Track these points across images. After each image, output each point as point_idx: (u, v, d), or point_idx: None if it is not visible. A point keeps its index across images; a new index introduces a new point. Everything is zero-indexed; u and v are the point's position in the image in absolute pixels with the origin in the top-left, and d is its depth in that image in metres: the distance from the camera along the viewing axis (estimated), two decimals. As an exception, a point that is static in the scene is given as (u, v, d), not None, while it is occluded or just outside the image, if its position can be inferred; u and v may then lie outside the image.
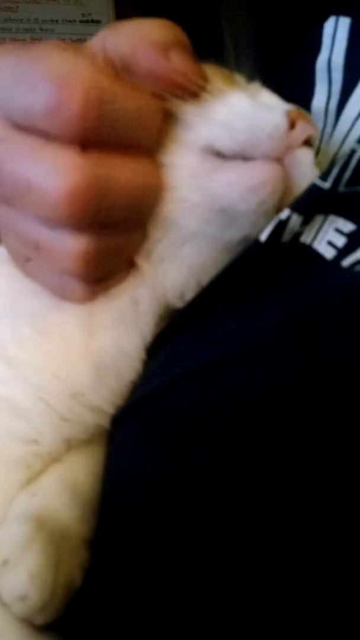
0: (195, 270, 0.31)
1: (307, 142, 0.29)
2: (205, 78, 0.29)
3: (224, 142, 0.28)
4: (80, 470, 0.30)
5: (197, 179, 0.28)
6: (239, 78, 0.33)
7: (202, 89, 0.29)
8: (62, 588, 0.25)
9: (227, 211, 0.28)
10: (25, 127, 0.26)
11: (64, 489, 0.28)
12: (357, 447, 0.20)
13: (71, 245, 0.27)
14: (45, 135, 0.25)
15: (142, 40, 0.27)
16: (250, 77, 0.34)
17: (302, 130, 0.29)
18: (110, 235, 0.28)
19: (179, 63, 0.27)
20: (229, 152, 0.28)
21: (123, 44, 0.27)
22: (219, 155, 0.28)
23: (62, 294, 0.30)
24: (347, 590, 0.19)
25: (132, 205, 0.28)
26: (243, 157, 0.28)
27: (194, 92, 0.28)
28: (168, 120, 0.29)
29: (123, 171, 0.26)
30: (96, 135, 0.25)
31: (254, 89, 0.33)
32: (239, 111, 0.28)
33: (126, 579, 0.25)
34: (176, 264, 0.31)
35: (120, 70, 0.27)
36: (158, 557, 0.24)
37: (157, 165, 0.29)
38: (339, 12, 0.37)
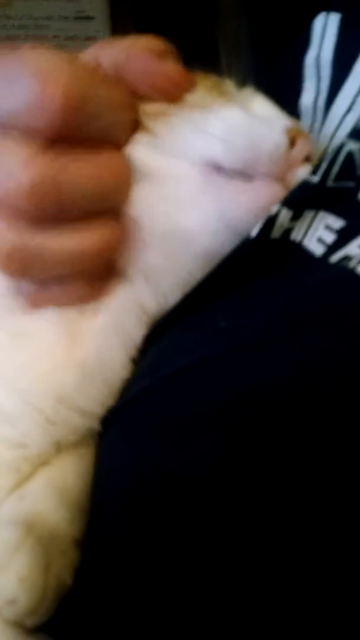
0: (189, 283, 0.30)
1: (307, 159, 0.29)
2: (195, 86, 0.30)
3: (225, 159, 0.28)
4: (69, 472, 0.30)
5: (206, 196, 0.28)
6: (229, 85, 0.33)
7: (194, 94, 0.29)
8: (52, 590, 0.25)
9: (235, 228, 0.28)
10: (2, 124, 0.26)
11: (52, 491, 0.28)
12: (354, 440, 0.20)
13: (37, 242, 0.26)
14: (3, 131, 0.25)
15: (136, 48, 0.28)
16: (244, 81, 0.34)
17: (302, 149, 0.29)
18: (69, 233, 0.27)
19: (172, 65, 0.28)
20: (230, 168, 0.28)
21: (118, 52, 0.28)
22: (218, 169, 0.28)
23: (38, 299, 0.30)
24: (346, 588, 0.19)
25: (98, 198, 0.27)
26: (243, 174, 0.28)
27: (184, 97, 0.29)
28: (162, 127, 0.29)
29: (87, 165, 0.27)
30: (75, 129, 0.25)
31: (247, 96, 0.33)
32: (238, 128, 0.28)
33: (116, 579, 0.25)
34: (176, 277, 0.30)
35: (114, 78, 0.28)
36: (148, 557, 0.24)
37: (125, 161, 0.28)
38: (329, 8, 0.37)
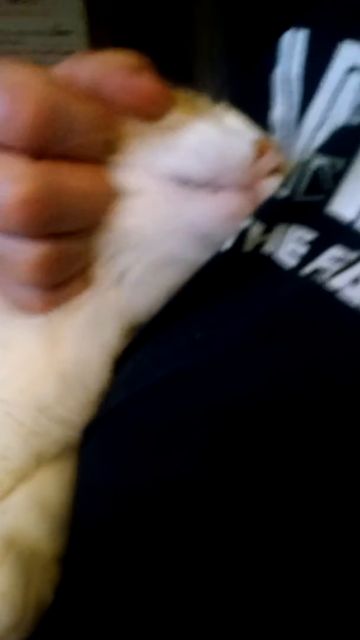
0: (168, 292, 0.31)
1: (276, 170, 0.30)
2: (173, 101, 0.30)
3: (194, 171, 0.29)
4: (50, 486, 0.30)
5: (173, 206, 0.29)
6: (204, 101, 0.34)
7: (170, 111, 0.30)
8: (32, 606, 0.25)
9: (204, 237, 0.29)
10: None
11: (33, 506, 0.28)
12: (326, 446, 0.20)
13: (27, 254, 0.27)
14: None
15: (112, 63, 0.28)
16: (218, 96, 0.35)
17: (270, 160, 0.29)
18: (65, 242, 0.28)
19: (149, 81, 0.28)
20: (198, 180, 0.29)
21: (93, 68, 0.28)
22: (187, 182, 0.29)
23: (20, 305, 0.30)
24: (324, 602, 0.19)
25: (84, 211, 0.28)
26: (212, 185, 0.29)
27: (161, 114, 0.29)
28: (134, 143, 0.30)
29: (74, 179, 0.27)
30: (48, 144, 0.26)
31: (220, 112, 0.34)
32: (207, 140, 0.29)
33: (96, 595, 0.25)
34: (150, 287, 0.31)
35: (90, 94, 0.28)
36: (128, 572, 0.24)
37: (107, 174, 0.29)
38: (297, 24, 0.38)
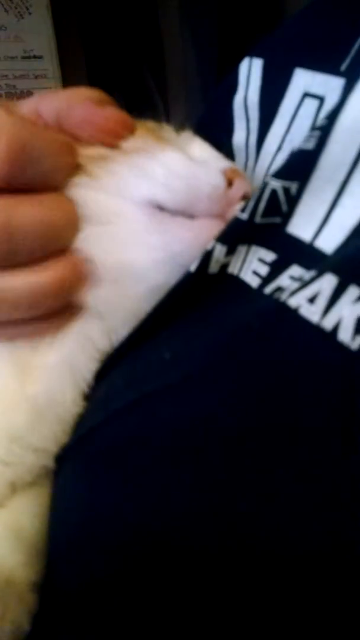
0: (140, 317, 0.31)
1: (245, 198, 0.31)
2: (134, 130, 0.31)
3: (166, 200, 0.30)
4: (25, 514, 0.29)
5: (151, 233, 0.30)
6: (167, 130, 0.35)
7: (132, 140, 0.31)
8: (8, 636, 0.25)
9: (179, 263, 0.29)
10: None
11: (7, 535, 0.28)
12: (293, 463, 0.21)
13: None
14: None
15: (77, 97, 0.30)
16: (183, 124, 0.36)
17: (240, 188, 0.30)
18: (31, 274, 0.28)
19: (111, 113, 0.30)
20: (171, 209, 0.30)
21: (58, 103, 0.30)
22: (161, 209, 0.30)
23: None
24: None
25: (47, 241, 0.28)
26: (186, 213, 0.30)
27: (121, 141, 0.30)
28: (103, 170, 0.30)
29: (33, 209, 0.28)
30: (16, 181, 0.27)
31: (185, 139, 0.35)
32: (176, 171, 0.30)
33: (71, 625, 0.24)
34: (126, 314, 0.31)
35: (53, 126, 0.30)
36: (103, 600, 0.24)
37: (66, 201, 0.30)
38: (252, 54, 0.39)
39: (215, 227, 0.29)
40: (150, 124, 0.34)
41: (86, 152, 0.31)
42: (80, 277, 0.30)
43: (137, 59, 1.47)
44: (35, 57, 1.40)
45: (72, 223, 0.29)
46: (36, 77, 1.39)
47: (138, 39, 1.52)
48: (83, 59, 1.50)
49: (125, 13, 1.50)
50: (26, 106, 0.31)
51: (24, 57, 1.39)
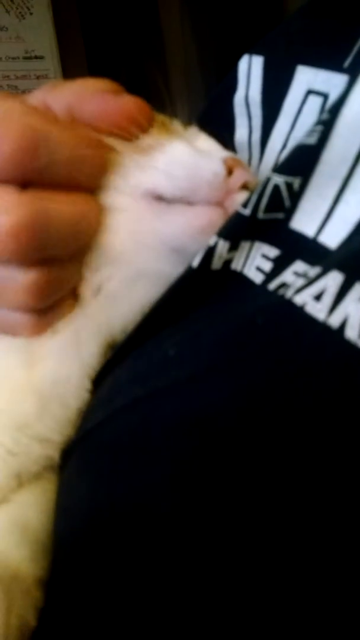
0: (144, 306, 0.32)
1: (245, 187, 0.31)
2: (153, 119, 0.31)
3: (166, 188, 0.30)
4: (30, 509, 0.30)
5: (146, 222, 0.30)
6: (176, 124, 0.35)
7: (148, 129, 0.31)
8: (14, 631, 0.25)
9: (178, 251, 0.30)
10: None
11: (13, 530, 0.28)
12: (295, 462, 0.21)
13: (19, 281, 0.28)
14: None
15: (87, 89, 0.29)
16: (188, 121, 0.36)
17: (239, 177, 0.31)
18: (55, 267, 0.29)
19: (130, 100, 0.29)
20: (170, 197, 0.30)
21: (67, 94, 0.29)
22: (160, 199, 0.30)
23: (10, 329, 0.30)
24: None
25: (73, 237, 0.29)
26: (185, 202, 0.30)
27: (143, 130, 0.30)
28: (108, 166, 0.30)
29: (62, 205, 0.28)
30: (33, 174, 0.26)
31: (191, 134, 0.35)
32: (178, 160, 0.30)
33: (79, 618, 0.24)
34: (127, 301, 0.32)
35: (67, 120, 0.29)
36: (108, 595, 0.24)
37: (95, 199, 0.30)
38: (251, 51, 0.39)
39: (213, 215, 0.29)
40: (163, 117, 0.34)
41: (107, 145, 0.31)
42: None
43: (138, 58, 1.47)
44: (36, 57, 1.40)
45: (97, 221, 0.30)
46: (37, 77, 1.39)
47: (139, 38, 1.52)
48: (84, 58, 1.50)
49: (126, 12, 1.50)
50: (34, 99, 0.30)
51: (25, 58, 1.39)
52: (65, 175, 0.28)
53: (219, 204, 0.30)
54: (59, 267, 0.29)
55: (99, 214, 0.30)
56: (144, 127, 0.30)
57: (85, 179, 0.29)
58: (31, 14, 1.39)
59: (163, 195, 0.30)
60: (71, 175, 0.28)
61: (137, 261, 0.31)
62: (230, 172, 0.30)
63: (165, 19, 1.59)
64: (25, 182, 0.27)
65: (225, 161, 0.31)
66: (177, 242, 0.30)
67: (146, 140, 0.31)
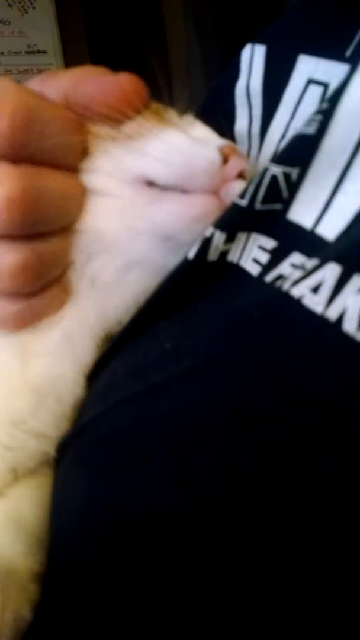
0: (138, 296, 0.31)
1: (241, 176, 0.30)
2: (147, 98, 0.31)
3: (160, 175, 0.30)
4: (26, 503, 0.29)
5: (138, 208, 0.30)
6: (171, 112, 0.34)
7: (142, 110, 0.30)
8: (9, 626, 0.25)
9: (171, 239, 0.30)
10: None
11: (8, 524, 0.28)
12: (292, 456, 0.21)
13: (9, 259, 0.27)
14: None
15: (85, 73, 0.30)
16: (184, 109, 0.36)
17: (235, 165, 0.30)
18: (43, 246, 0.29)
19: (127, 76, 0.29)
20: (163, 184, 0.30)
21: (63, 81, 0.30)
22: (152, 185, 0.30)
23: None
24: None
25: (63, 212, 0.29)
26: (179, 189, 0.30)
27: (140, 107, 0.30)
28: (102, 148, 0.30)
29: (53, 181, 0.28)
30: (25, 150, 0.27)
31: (187, 123, 0.35)
32: (174, 147, 0.30)
33: (75, 613, 0.24)
34: (120, 290, 0.32)
35: (61, 104, 0.29)
36: (104, 586, 0.23)
37: (79, 179, 0.30)
38: (254, 40, 0.39)
39: (208, 203, 0.29)
40: (156, 105, 0.33)
41: (91, 128, 0.31)
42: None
43: (141, 52, 1.47)
44: (39, 51, 1.40)
45: (82, 200, 0.30)
46: (40, 71, 1.38)
47: (142, 32, 1.52)
48: (87, 53, 1.49)
49: (129, 6, 1.49)
50: (32, 85, 0.30)
51: (27, 52, 1.39)
52: (54, 153, 0.28)
53: (215, 192, 0.30)
54: (47, 246, 0.29)
55: (83, 193, 0.30)
56: (139, 108, 0.30)
57: (72, 159, 0.30)
58: (34, 8, 1.38)
59: (155, 182, 0.30)
60: (60, 153, 0.29)
61: (130, 250, 0.31)
62: (226, 160, 0.30)
63: (168, 14, 1.58)
64: (17, 157, 0.27)
65: (221, 149, 0.30)
66: (170, 231, 0.30)
67: (139, 126, 0.31)
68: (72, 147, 0.30)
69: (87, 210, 0.30)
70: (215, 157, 0.29)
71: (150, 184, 0.30)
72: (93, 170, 0.30)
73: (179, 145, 0.30)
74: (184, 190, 0.30)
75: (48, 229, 0.29)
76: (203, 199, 0.29)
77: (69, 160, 0.30)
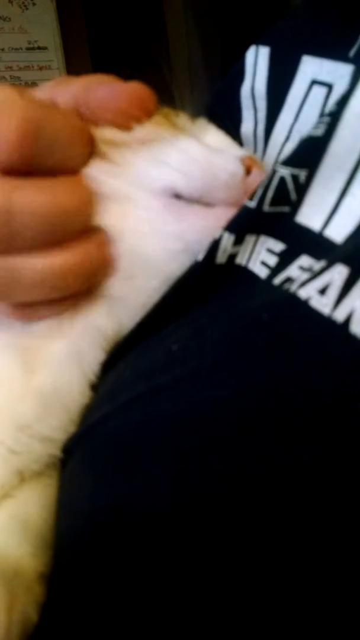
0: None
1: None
2: (157, 106, 0.31)
3: (183, 188, 0.29)
4: (32, 504, 0.29)
5: (169, 225, 0.29)
6: (182, 117, 0.34)
7: (152, 116, 0.30)
8: (16, 627, 0.25)
9: (195, 254, 0.28)
10: None
11: (15, 526, 0.28)
12: (296, 455, 0.21)
13: (33, 264, 0.27)
14: None
15: (96, 79, 0.29)
16: (197, 109, 0.35)
17: (257, 176, 0.30)
18: (28, 258, 0.28)
19: (136, 85, 0.29)
20: (188, 197, 0.29)
21: (75, 88, 0.29)
22: (178, 197, 0.29)
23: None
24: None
25: (48, 226, 0.28)
26: (202, 202, 0.29)
27: (148, 116, 0.30)
28: (118, 155, 0.30)
29: (36, 195, 0.27)
30: (31, 161, 0.26)
31: (199, 128, 0.34)
32: (193, 159, 0.29)
33: (81, 615, 0.24)
34: (143, 305, 0.30)
35: (71, 111, 0.29)
36: (111, 589, 0.23)
37: (84, 184, 0.29)
38: (258, 42, 0.39)
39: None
40: (166, 109, 0.33)
41: (103, 136, 0.30)
42: (104, 259, 0.29)
43: (142, 49, 1.46)
44: (39, 48, 1.39)
45: (85, 206, 0.29)
46: (40, 68, 1.38)
47: (143, 29, 1.51)
48: (87, 49, 1.49)
49: (129, 2, 1.49)
50: (42, 93, 0.30)
51: (28, 49, 1.38)
52: (58, 161, 0.28)
53: (238, 204, 0.29)
54: (31, 258, 0.28)
55: (83, 198, 0.29)
56: (149, 113, 0.30)
57: (74, 163, 0.29)
58: (34, 4, 1.38)
59: (181, 194, 0.29)
60: (63, 161, 0.28)
61: (166, 270, 0.29)
62: (248, 171, 0.30)
63: (169, 11, 1.58)
64: (23, 169, 0.26)
65: (242, 160, 0.30)
66: (198, 246, 0.28)
67: (151, 132, 0.30)
68: (79, 156, 0.29)
69: (109, 220, 0.29)
70: (238, 169, 0.29)
71: (176, 195, 0.29)
72: (111, 176, 0.29)
73: (198, 157, 0.29)
74: (207, 203, 0.29)
75: (36, 238, 0.28)
76: (228, 212, 0.28)
77: (73, 166, 0.29)
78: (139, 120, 0.30)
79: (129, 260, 0.30)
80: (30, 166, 0.26)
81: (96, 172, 0.29)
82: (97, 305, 0.31)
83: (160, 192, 0.29)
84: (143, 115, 0.30)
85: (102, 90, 0.29)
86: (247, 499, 0.21)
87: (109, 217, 0.29)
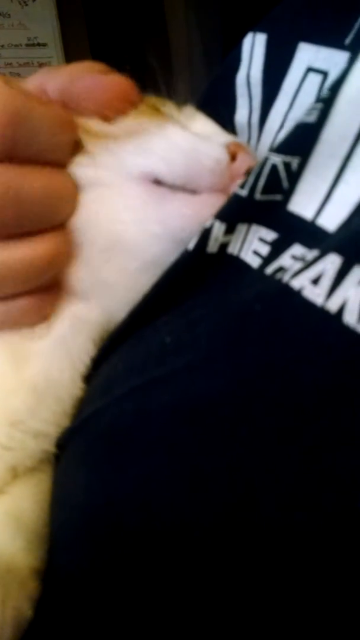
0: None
1: (249, 172, 0.30)
2: (140, 98, 0.31)
3: (165, 174, 0.29)
4: (25, 500, 0.29)
5: (149, 208, 0.29)
6: (169, 106, 0.34)
7: (136, 107, 0.30)
8: (10, 623, 0.25)
9: (183, 241, 0.29)
10: None
11: (8, 521, 0.28)
12: (292, 450, 0.20)
13: (21, 252, 0.27)
14: None
15: (80, 69, 0.30)
16: (184, 101, 0.35)
17: (243, 162, 0.30)
18: (23, 246, 0.28)
19: (119, 78, 0.29)
20: (171, 183, 0.29)
21: (61, 77, 0.30)
22: (159, 183, 0.29)
23: (15, 319, 0.30)
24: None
25: (44, 213, 0.28)
26: (188, 189, 0.29)
27: (130, 108, 0.30)
28: (102, 144, 0.30)
29: (34, 181, 0.27)
30: (12, 150, 0.26)
31: (187, 116, 0.34)
32: (176, 146, 0.29)
33: (74, 611, 0.24)
34: (129, 292, 0.30)
35: (57, 102, 0.29)
36: (105, 582, 0.23)
37: (69, 176, 0.29)
38: (255, 29, 0.38)
39: (218, 203, 0.28)
40: (153, 99, 0.33)
41: (88, 127, 0.30)
42: (71, 255, 0.30)
43: (141, 44, 1.46)
44: (39, 44, 1.39)
45: (71, 197, 0.29)
46: (40, 64, 1.38)
47: (142, 25, 1.51)
48: (87, 45, 1.49)
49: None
50: (32, 83, 0.30)
51: (28, 45, 1.38)
52: (45, 152, 0.28)
53: (224, 191, 0.29)
54: (35, 246, 0.28)
55: (70, 187, 0.29)
56: (133, 104, 0.30)
57: (60, 154, 0.29)
58: (34, 0, 1.37)
59: (163, 180, 0.29)
60: (51, 152, 0.28)
61: (147, 252, 0.30)
62: (233, 157, 0.29)
63: (169, 6, 1.57)
64: (3, 157, 0.27)
65: (227, 146, 0.30)
66: (183, 234, 0.29)
67: (135, 122, 0.30)
68: (62, 146, 0.29)
69: (88, 208, 0.29)
70: (222, 155, 0.29)
71: (158, 182, 0.29)
72: (92, 166, 0.30)
73: (182, 143, 0.29)
74: (192, 190, 0.29)
75: (29, 228, 0.28)
76: (212, 198, 0.29)
77: (59, 158, 0.29)
78: (122, 111, 0.30)
79: (109, 247, 0.30)
80: (11, 153, 0.26)
81: (77, 166, 0.30)
82: (84, 296, 0.31)
83: (141, 178, 0.29)
84: (126, 106, 0.30)
85: (86, 81, 0.29)
86: (244, 490, 0.20)
87: (91, 206, 0.30)
